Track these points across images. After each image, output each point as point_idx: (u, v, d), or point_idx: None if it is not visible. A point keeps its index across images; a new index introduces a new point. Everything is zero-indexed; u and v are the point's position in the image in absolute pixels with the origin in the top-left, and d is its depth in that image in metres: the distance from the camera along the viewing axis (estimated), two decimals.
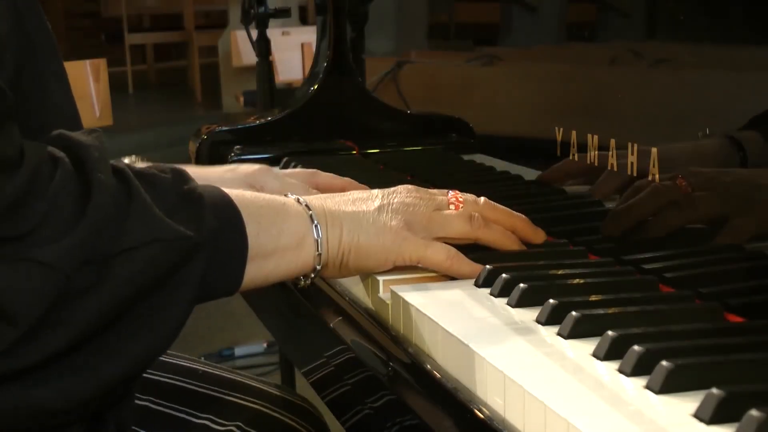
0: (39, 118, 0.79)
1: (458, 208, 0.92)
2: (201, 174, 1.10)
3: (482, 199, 0.95)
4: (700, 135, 0.86)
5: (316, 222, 0.85)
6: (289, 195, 0.88)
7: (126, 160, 1.12)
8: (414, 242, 0.88)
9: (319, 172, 1.17)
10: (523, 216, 0.96)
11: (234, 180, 1.12)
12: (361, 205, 0.89)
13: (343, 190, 1.12)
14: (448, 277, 0.89)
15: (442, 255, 0.88)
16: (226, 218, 0.79)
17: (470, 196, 0.94)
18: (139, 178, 0.74)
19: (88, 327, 0.69)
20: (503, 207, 0.95)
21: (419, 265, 0.89)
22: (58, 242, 0.67)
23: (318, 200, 0.88)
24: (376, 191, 0.92)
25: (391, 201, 0.90)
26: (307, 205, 0.86)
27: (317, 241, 0.85)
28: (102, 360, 0.71)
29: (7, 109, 0.69)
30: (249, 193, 0.84)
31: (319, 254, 0.85)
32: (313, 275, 0.87)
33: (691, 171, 0.85)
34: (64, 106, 0.85)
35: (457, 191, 0.94)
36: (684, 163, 0.88)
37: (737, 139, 0.84)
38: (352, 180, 1.16)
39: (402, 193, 0.91)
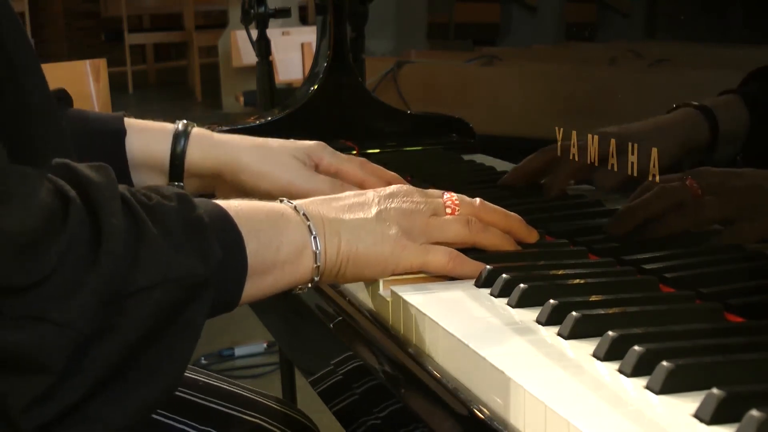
0: (17, 118, 0.77)
1: (454, 211, 0.92)
2: (262, 142, 1.13)
3: (477, 200, 0.94)
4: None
5: (314, 233, 0.84)
6: (285, 202, 0.86)
7: (180, 126, 1.11)
8: (413, 250, 0.87)
9: (369, 162, 1.16)
10: (518, 216, 0.95)
11: (296, 149, 1.13)
12: (358, 212, 0.87)
13: (389, 183, 1.11)
14: (448, 276, 0.89)
15: (444, 258, 0.88)
16: (229, 243, 0.77)
17: (465, 198, 0.94)
18: (145, 210, 0.71)
19: (101, 373, 0.67)
20: (498, 208, 0.95)
21: (422, 271, 0.88)
22: (71, 297, 0.64)
23: (314, 207, 0.86)
24: (371, 195, 0.90)
25: (388, 207, 0.88)
26: (304, 215, 0.84)
27: (316, 253, 0.84)
28: (110, 409, 0.68)
29: None
30: (246, 204, 0.82)
31: (318, 266, 0.84)
32: (310, 285, 0.86)
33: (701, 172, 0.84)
34: (43, 107, 0.83)
35: (452, 193, 0.94)
36: (649, 139, 0.87)
37: (709, 108, 0.83)
38: (397, 175, 1.15)
39: (398, 198, 0.90)
